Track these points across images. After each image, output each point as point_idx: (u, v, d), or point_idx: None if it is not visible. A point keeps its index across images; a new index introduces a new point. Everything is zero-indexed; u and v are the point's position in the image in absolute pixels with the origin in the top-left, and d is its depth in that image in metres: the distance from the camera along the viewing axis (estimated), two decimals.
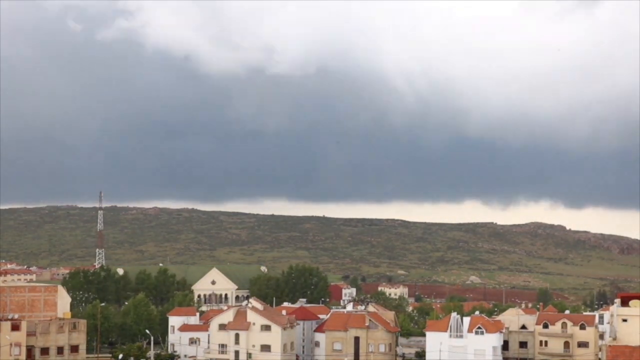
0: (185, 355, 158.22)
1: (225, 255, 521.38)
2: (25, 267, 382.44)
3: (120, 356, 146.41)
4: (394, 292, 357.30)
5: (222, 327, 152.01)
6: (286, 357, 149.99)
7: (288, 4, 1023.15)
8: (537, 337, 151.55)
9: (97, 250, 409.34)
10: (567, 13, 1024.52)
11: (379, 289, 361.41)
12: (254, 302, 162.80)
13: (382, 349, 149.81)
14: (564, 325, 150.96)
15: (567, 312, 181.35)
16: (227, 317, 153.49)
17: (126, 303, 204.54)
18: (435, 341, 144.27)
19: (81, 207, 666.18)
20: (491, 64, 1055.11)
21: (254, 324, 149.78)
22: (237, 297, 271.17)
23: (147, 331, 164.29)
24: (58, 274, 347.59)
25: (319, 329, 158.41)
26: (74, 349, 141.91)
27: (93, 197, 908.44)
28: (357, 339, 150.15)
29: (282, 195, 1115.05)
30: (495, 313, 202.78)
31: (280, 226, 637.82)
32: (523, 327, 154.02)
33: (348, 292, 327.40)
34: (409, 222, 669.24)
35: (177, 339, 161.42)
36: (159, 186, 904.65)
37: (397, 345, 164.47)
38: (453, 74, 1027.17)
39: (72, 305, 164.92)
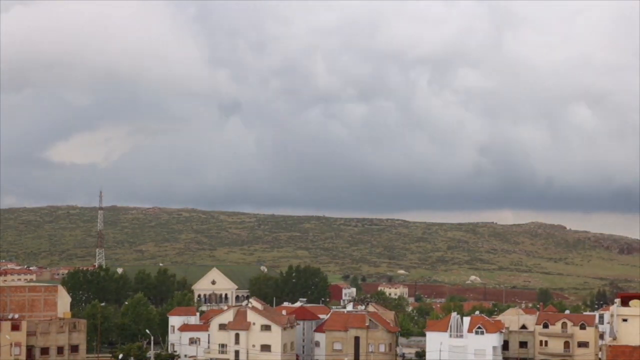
0: (185, 355, 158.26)
1: (225, 255, 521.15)
2: (25, 267, 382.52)
3: (121, 356, 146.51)
4: (394, 292, 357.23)
5: (222, 327, 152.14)
6: (286, 357, 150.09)
7: None
8: (537, 337, 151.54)
9: (97, 250, 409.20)
10: None
11: (379, 288, 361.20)
12: (254, 302, 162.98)
13: (382, 349, 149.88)
14: (564, 325, 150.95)
15: (567, 312, 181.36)
16: (227, 317, 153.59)
17: (126, 303, 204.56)
18: (435, 341, 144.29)
19: (81, 207, 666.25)
20: None
21: (254, 323, 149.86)
22: (237, 297, 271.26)
23: (147, 331, 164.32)
24: (58, 274, 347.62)
25: (319, 329, 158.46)
26: (74, 348, 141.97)
27: (93, 197, 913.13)
28: (357, 339, 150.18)
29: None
30: (495, 313, 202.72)
31: (280, 226, 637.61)
32: (523, 327, 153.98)
33: (348, 292, 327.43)
34: (409, 222, 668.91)
35: (177, 339, 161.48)
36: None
37: (397, 345, 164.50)
38: None
39: (72, 305, 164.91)
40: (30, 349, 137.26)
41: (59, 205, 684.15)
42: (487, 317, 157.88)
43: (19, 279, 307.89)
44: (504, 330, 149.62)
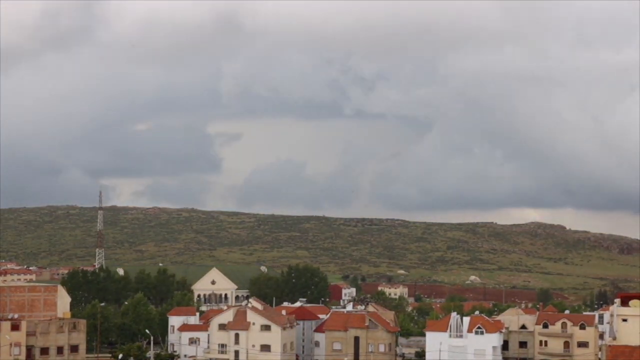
0: (185, 355, 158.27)
1: (225, 255, 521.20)
2: (25, 267, 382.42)
3: (120, 356, 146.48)
4: (394, 292, 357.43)
5: (222, 327, 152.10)
6: (286, 357, 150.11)
7: None
8: (537, 337, 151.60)
9: (96, 250, 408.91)
10: None
11: (379, 288, 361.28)
12: (254, 302, 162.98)
13: (381, 349, 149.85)
14: (563, 325, 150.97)
15: (567, 312, 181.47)
16: (227, 317, 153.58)
17: (126, 303, 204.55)
18: (435, 341, 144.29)
19: (81, 207, 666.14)
20: None
21: (253, 323, 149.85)
22: (237, 297, 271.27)
23: (147, 331, 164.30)
24: (58, 274, 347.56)
25: (319, 329, 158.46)
26: (74, 348, 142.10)
27: (93, 197, 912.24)
28: (356, 339, 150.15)
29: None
30: (495, 313, 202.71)
31: (280, 226, 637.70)
32: (523, 327, 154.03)
33: (348, 292, 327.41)
34: (408, 222, 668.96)
35: (176, 339, 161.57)
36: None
37: (396, 345, 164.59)
38: None
39: (72, 305, 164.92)
40: (30, 349, 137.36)
41: (59, 205, 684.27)
42: (486, 317, 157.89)
43: (19, 279, 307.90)
44: (503, 330, 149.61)
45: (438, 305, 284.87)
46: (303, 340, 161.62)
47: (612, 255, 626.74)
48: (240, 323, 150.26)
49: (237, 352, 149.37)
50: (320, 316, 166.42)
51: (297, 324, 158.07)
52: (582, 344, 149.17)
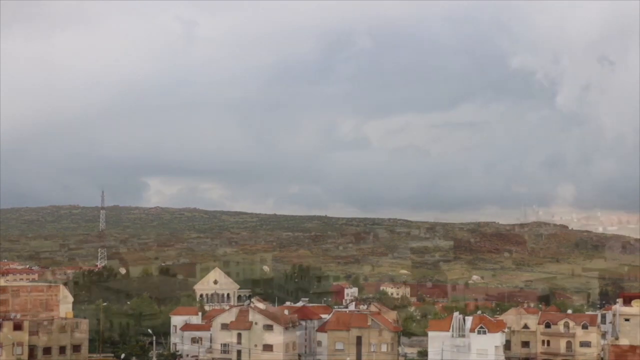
0: (188, 355, 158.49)
1: (227, 255, 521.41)
2: (28, 266, 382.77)
3: (123, 356, 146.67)
4: (396, 291, 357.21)
5: (225, 326, 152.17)
6: (288, 357, 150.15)
7: None
8: (539, 337, 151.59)
9: (99, 249, 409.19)
10: None
11: (381, 288, 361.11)
12: (256, 302, 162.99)
13: (384, 348, 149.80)
14: (566, 324, 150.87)
15: (569, 311, 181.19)
16: (230, 316, 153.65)
17: (128, 303, 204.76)
18: (437, 341, 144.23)
19: (83, 207, 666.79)
20: None
21: (256, 323, 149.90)
22: (239, 297, 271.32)
23: (149, 330, 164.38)
24: (60, 274, 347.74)
25: (321, 328, 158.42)
26: (76, 348, 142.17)
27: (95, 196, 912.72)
28: (359, 339, 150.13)
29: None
30: (498, 313, 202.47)
31: (283, 225, 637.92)
32: (525, 326, 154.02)
33: (350, 291, 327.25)
34: (411, 222, 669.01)
35: (179, 339, 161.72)
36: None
37: (399, 345, 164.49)
38: None
39: (74, 305, 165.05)
40: (32, 349, 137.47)
41: (62, 205, 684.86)
42: (489, 317, 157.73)
43: (22, 279, 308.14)
44: (506, 330, 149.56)
45: (440, 305, 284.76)
46: (305, 340, 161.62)
47: (615, 255, 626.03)
48: (242, 323, 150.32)
49: (239, 352, 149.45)
50: (323, 316, 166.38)
51: (300, 324, 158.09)
52: (585, 344, 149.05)
